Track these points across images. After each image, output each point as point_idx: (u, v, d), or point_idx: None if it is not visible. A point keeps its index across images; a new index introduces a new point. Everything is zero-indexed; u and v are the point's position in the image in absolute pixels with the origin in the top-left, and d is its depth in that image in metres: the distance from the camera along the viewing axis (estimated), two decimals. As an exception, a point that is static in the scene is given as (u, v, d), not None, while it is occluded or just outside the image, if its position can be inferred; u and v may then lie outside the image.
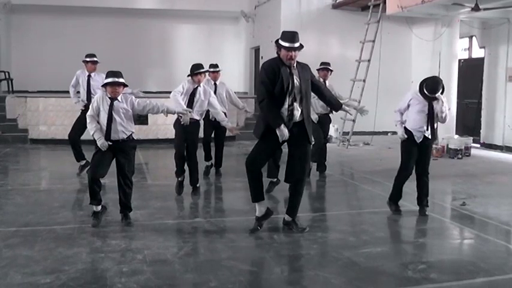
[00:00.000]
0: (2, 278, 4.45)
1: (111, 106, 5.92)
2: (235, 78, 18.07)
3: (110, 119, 5.91)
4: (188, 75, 7.49)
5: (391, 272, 4.73)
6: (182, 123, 7.31)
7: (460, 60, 13.38)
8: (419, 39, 15.47)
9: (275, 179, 7.80)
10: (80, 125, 8.75)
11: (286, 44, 5.44)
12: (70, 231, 5.85)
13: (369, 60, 13.94)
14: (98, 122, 5.97)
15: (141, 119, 12.88)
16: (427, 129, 6.60)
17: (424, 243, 5.64)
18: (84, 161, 9.05)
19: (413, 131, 6.63)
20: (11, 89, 16.01)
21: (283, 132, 5.46)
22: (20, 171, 10.24)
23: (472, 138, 12.65)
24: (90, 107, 6.07)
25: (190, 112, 6.94)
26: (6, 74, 16.35)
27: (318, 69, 8.97)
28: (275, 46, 5.55)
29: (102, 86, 6.05)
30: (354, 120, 13.47)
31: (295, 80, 5.53)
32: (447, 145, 12.11)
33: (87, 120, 6.05)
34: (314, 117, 8.67)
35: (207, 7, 17.43)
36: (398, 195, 6.86)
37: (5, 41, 17.34)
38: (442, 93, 6.56)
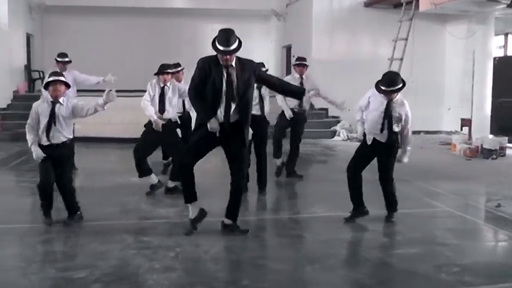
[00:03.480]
0: (37, 273, 4.53)
1: (52, 110, 5.74)
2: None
3: (50, 123, 5.72)
4: (155, 74, 7.46)
5: (424, 274, 4.65)
6: (154, 128, 7.25)
7: (494, 58, 13.13)
8: (453, 37, 15.23)
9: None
10: None
11: (221, 48, 5.18)
12: (102, 228, 5.92)
13: (401, 59, 13.77)
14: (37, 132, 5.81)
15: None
16: (381, 131, 5.99)
17: (458, 245, 5.51)
18: None
19: (366, 132, 6.17)
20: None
21: (214, 125, 5.28)
22: (53, 168, 10.38)
23: (507, 138, 12.39)
24: (30, 116, 5.84)
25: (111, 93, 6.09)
26: (41, 73, 16.66)
27: (293, 65, 8.76)
28: (211, 45, 5.28)
29: (44, 86, 5.89)
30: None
31: (233, 80, 5.30)
32: (481, 145, 11.88)
33: (26, 130, 5.82)
34: (288, 113, 8.46)
35: (238, 6, 17.47)
36: (353, 199, 6.31)
37: (39, 41, 17.66)
38: (401, 88, 5.92)
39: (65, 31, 17.74)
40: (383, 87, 5.89)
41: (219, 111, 5.34)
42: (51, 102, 5.77)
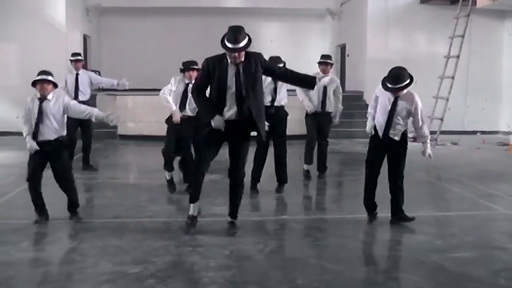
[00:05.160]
0: (94, 266, 4.65)
1: (40, 107, 5.86)
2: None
3: (38, 119, 5.84)
4: (180, 71, 7.50)
5: (481, 278, 4.52)
6: (174, 121, 7.36)
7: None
8: (512, 34, 14.83)
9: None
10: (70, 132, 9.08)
11: (230, 45, 5.18)
12: (158, 225, 6.03)
13: (457, 57, 13.46)
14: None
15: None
16: (387, 129, 5.79)
17: (517, 249, 5.34)
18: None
19: (377, 128, 5.93)
20: (101, 88, 16.67)
21: (218, 123, 5.28)
22: (109, 165, 10.65)
23: None
24: (24, 109, 5.99)
25: (112, 116, 6.18)
26: (97, 73, 17.02)
27: (318, 63, 8.62)
28: (220, 43, 5.27)
29: (32, 84, 5.93)
30: (441, 119, 13.08)
31: (241, 76, 5.29)
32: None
33: (22, 122, 5.98)
34: (309, 109, 8.43)
35: (293, 5, 17.42)
36: (368, 199, 6.09)
37: (95, 42, 18.08)
38: (408, 85, 5.67)
39: (120, 32, 18.14)
40: (389, 85, 5.67)
41: (225, 110, 5.35)
42: (38, 99, 5.92)
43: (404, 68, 5.73)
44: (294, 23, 18.68)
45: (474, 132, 15.43)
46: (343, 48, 17.83)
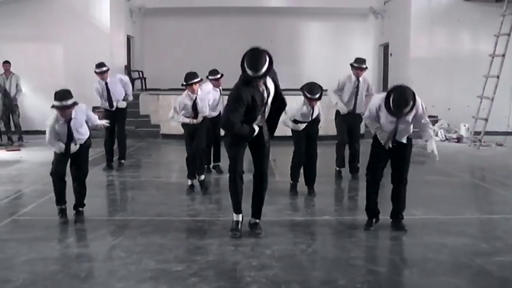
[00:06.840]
0: (137, 263, 4.74)
1: (68, 127, 5.90)
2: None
3: (70, 136, 5.93)
4: (182, 85, 7.53)
5: (527, 283, 4.43)
6: (195, 123, 7.58)
7: None
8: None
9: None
10: (111, 131, 9.32)
11: (250, 73, 5.04)
12: (201, 224, 6.10)
13: (503, 55, 13.13)
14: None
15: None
16: (394, 137, 5.61)
17: None
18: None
19: (381, 136, 5.72)
20: (144, 87, 16.98)
21: (254, 131, 5.33)
22: (152, 164, 10.80)
23: None
24: (49, 133, 5.93)
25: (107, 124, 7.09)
26: (140, 73, 17.37)
27: (352, 66, 8.42)
28: (240, 66, 5.13)
29: (52, 106, 5.89)
30: (486, 119, 12.80)
31: (269, 93, 5.29)
32: None
33: (49, 144, 6.01)
34: (343, 110, 8.40)
35: (335, 4, 17.32)
36: (371, 205, 5.93)
37: (139, 42, 18.38)
38: (412, 107, 5.38)
39: (163, 32, 18.38)
40: (393, 109, 5.36)
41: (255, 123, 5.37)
42: (64, 121, 5.92)
43: (408, 90, 5.43)
44: (336, 23, 18.57)
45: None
46: (386, 47, 17.63)
